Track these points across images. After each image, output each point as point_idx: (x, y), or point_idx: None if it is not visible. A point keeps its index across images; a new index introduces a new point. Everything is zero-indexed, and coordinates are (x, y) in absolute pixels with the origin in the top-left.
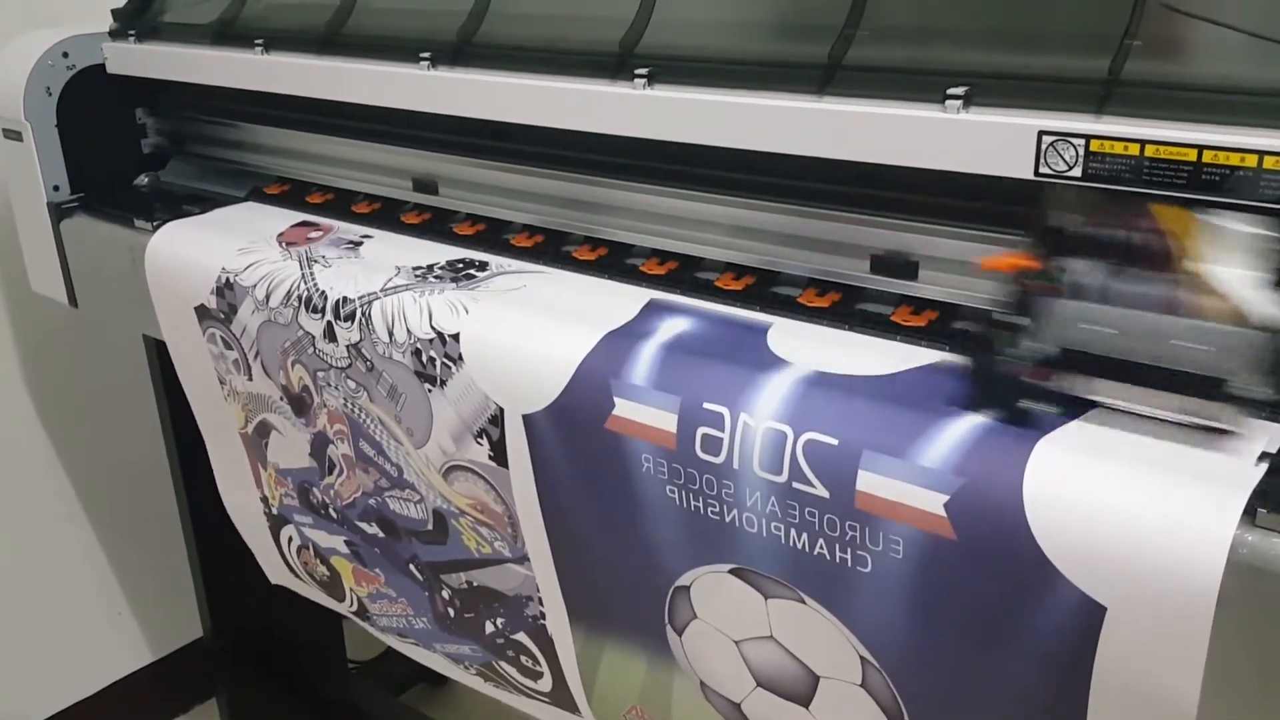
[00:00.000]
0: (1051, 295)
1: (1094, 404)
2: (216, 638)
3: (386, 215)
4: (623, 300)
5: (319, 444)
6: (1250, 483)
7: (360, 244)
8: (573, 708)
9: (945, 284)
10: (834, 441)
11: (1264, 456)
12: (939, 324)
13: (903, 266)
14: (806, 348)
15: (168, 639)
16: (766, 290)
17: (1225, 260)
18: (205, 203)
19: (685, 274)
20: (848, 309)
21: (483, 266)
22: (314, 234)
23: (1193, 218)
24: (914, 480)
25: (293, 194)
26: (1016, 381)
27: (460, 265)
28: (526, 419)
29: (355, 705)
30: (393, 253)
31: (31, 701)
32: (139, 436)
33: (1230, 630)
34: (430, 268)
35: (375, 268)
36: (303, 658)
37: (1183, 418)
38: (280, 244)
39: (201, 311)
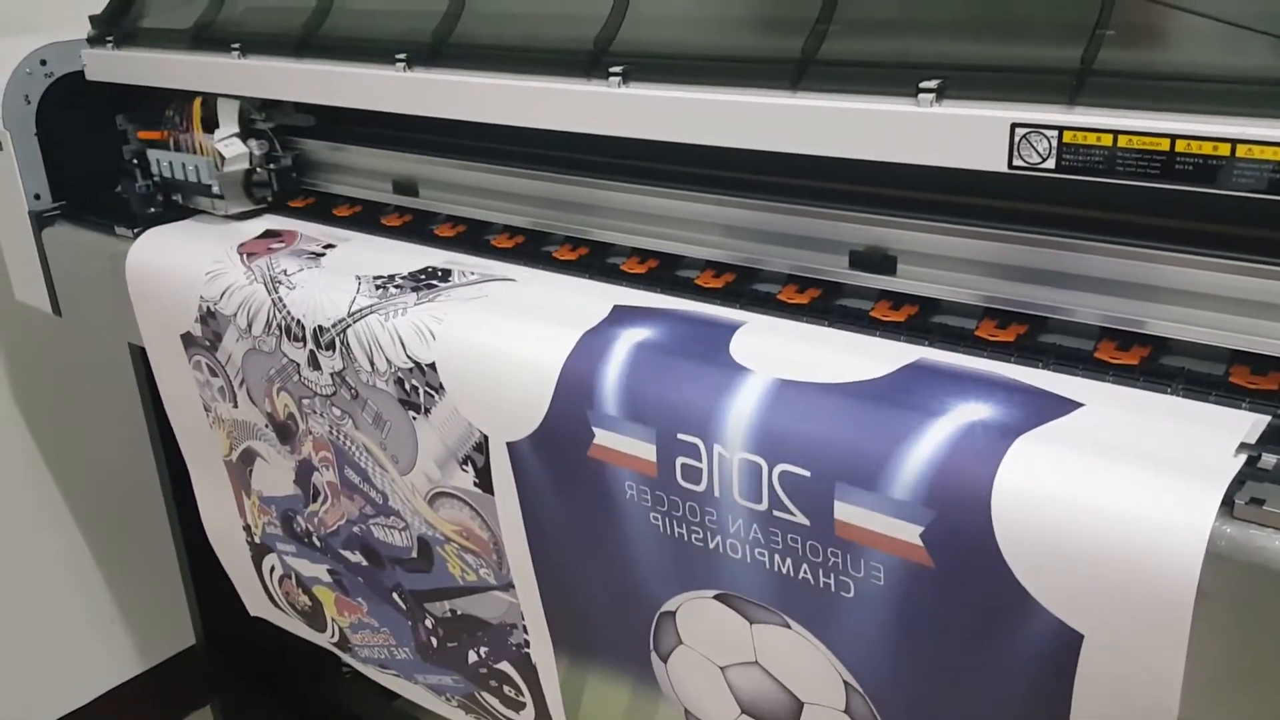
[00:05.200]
0: None
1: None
2: (209, 645)
3: (367, 218)
4: (586, 307)
5: (304, 471)
6: (1228, 474)
7: (322, 254)
8: None
9: (923, 278)
10: (806, 473)
11: (1243, 447)
12: (917, 319)
13: (881, 261)
14: (771, 353)
15: (160, 647)
16: (746, 287)
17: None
18: (188, 209)
19: (666, 272)
20: (827, 305)
21: (445, 275)
22: (275, 245)
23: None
24: (889, 512)
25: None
26: (148, 198)
27: (421, 275)
28: (511, 446)
29: (349, 710)
30: (354, 262)
31: (24, 712)
32: (128, 444)
33: (1210, 623)
34: (391, 278)
35: (336, 283)
36: (296, 663)
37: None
38: (242, 257)
39: (187, 339)
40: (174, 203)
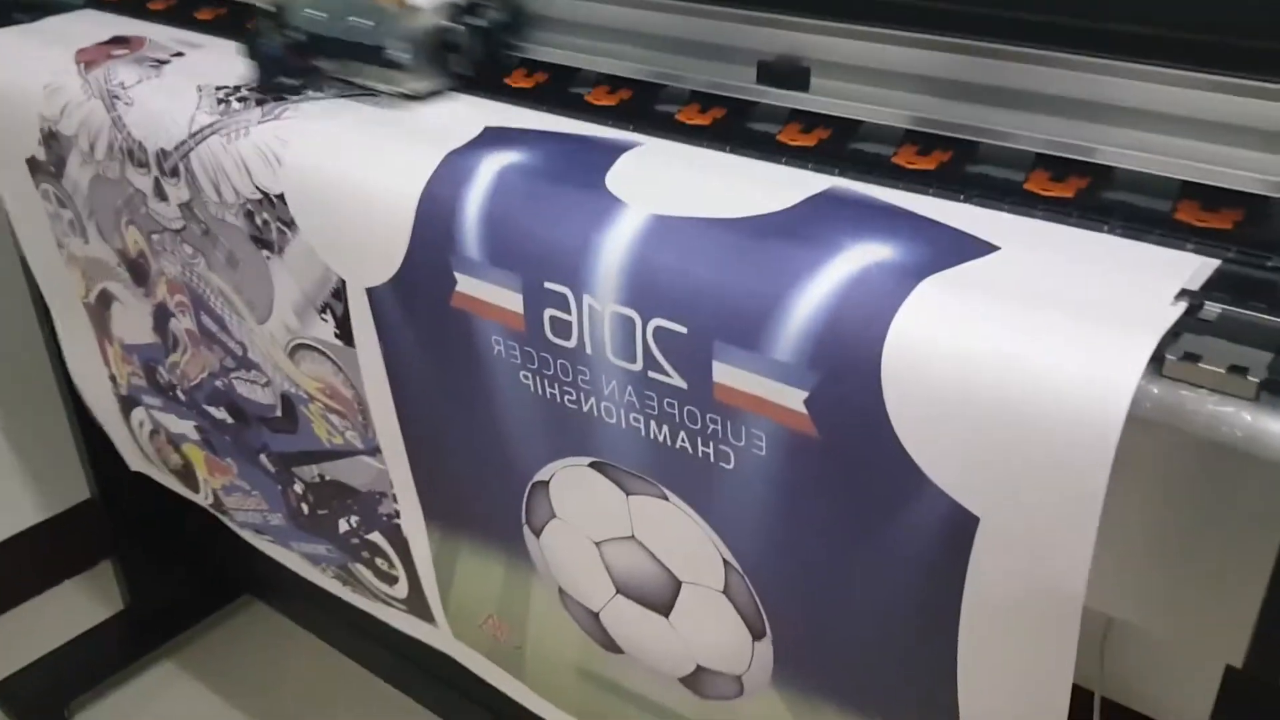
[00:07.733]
0: None
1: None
2: (104, 498)
3: (231, 23)
4: (452, 129)
5: (161, 316)
6: (1162, 325)
7: (167, 63)
8: (428, 616)
9: (839, 94)
10: (683, 330)
11: (1183, 294)
12: (830, 143)
13: (792, 74)
14: (653, 183)
15: (58, 498)
16: (646, 106)
17: None
18: (39, 10)
19: (555, 89)
20: (730, 127)
21: (297, 87)
22: (118, 51)
23: None
24: (771, 375)
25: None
26: (281, 61)
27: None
28: (370, 293)
29: (253, 558)
30: (198, 73)
31: None
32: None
33: (1125, 499)
34: (235, 90)
35: (176, 98)
36: (198, 511)
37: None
38: (80, 68)
39: (33, 164)
40: (319, 72)
